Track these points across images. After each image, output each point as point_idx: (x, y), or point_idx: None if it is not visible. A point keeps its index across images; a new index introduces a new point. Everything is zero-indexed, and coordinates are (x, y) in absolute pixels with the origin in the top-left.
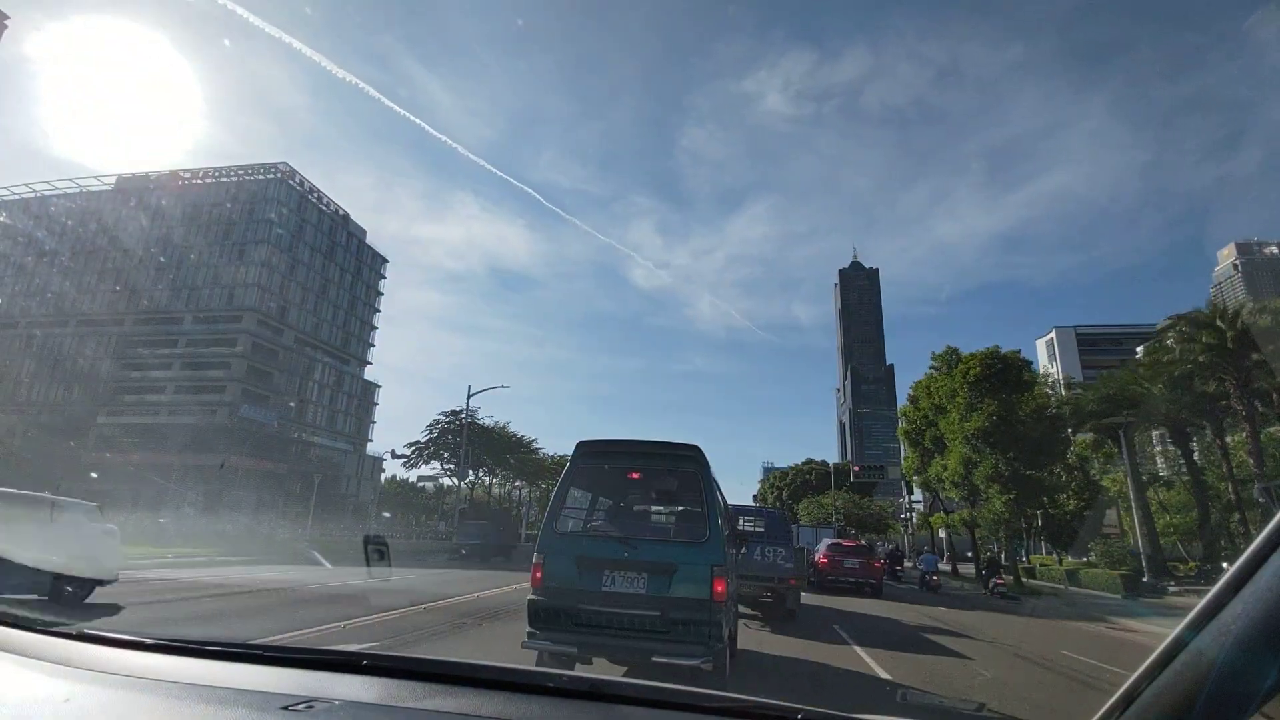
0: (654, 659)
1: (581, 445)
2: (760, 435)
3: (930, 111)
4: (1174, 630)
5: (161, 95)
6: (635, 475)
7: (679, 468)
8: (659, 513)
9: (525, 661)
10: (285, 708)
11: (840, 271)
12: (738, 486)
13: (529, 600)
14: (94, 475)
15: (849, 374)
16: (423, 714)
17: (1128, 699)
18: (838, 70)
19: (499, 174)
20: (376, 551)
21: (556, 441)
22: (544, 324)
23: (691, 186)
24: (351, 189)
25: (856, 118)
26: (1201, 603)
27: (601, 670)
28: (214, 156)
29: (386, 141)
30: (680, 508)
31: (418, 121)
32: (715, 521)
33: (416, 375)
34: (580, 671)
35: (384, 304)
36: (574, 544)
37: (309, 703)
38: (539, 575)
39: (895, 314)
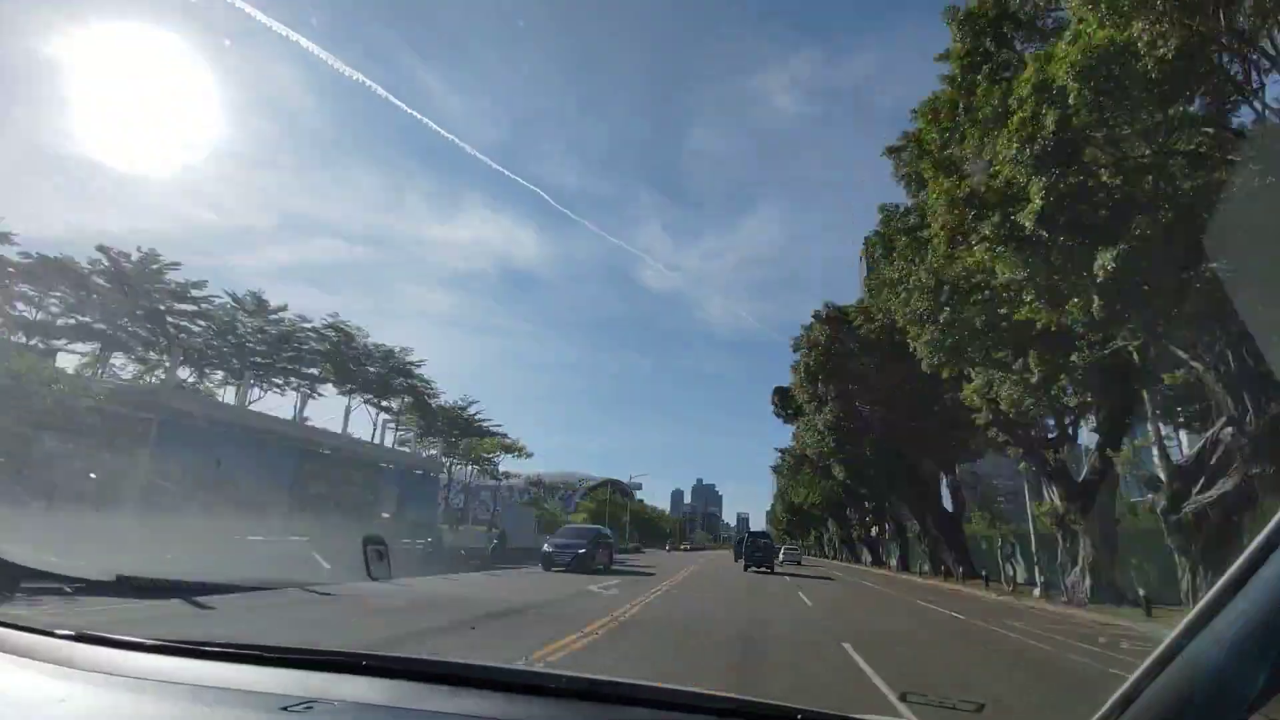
0: None
1: None
2: (775, 435)
3: None
4: (1173, 632)
5: (170, 96)
6: None
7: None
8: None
9: None
10: (285, 708)
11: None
12: (750, 483)
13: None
14: None
15: None
16: (423, 714)
17: (1126, 700)
18: (847, 67)
19: (507, 173)
20: None
21: (567, 439)
22: (556, 325)
23: (701, 187)
24: (361, 186)
25: (867, 114)
26: (1200, 604)
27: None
28: (224, 158)
29: (395, 142)
30: None
31: (425, 120)
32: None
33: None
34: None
35: (394, 303)
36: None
37: (309, 704)
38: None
39: None
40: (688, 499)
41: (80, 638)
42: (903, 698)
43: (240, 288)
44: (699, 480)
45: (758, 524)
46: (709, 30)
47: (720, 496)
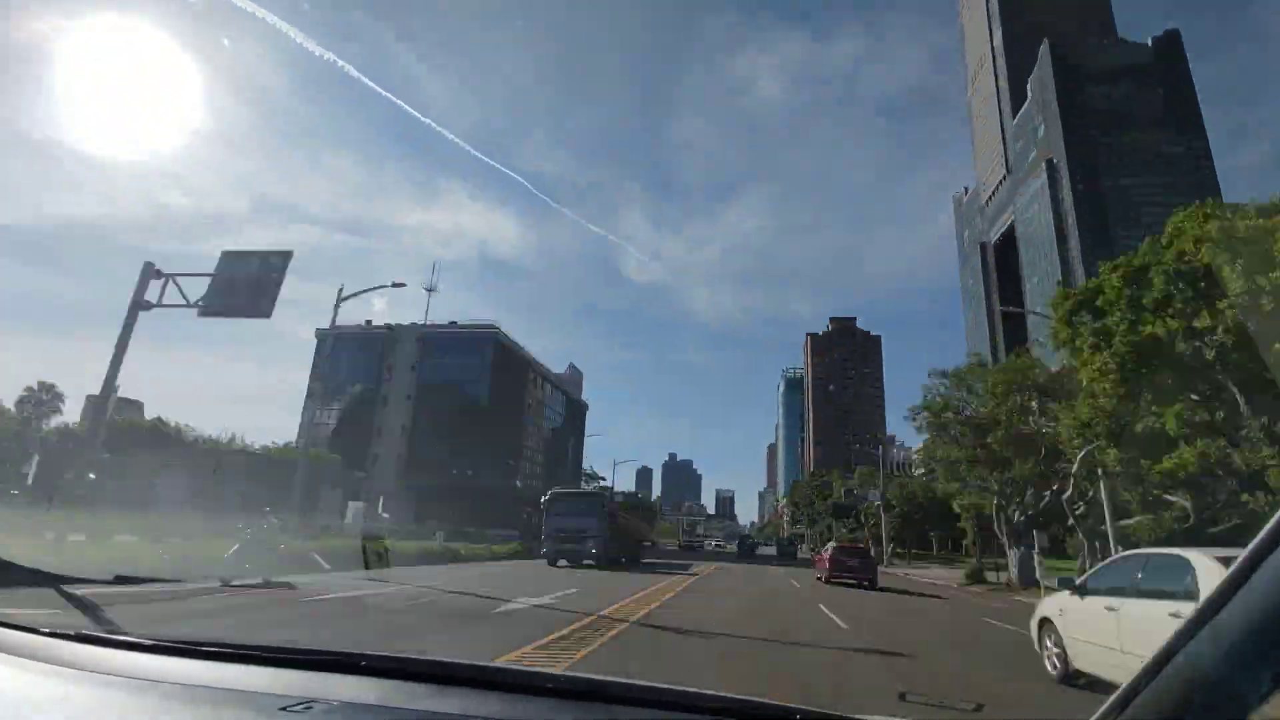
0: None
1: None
2: (761, 428)
3: (929, 96)
4: (1173, 631)
5: (140, 78)
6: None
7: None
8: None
9: None
10: (284, 708)
11: None
12: (736, 467)
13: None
14: None
15: (1036, 64)
16: (421, 714)
17: (1126, 699)
18: (833, 52)
19: (485, 160)
20: None
21: None
22: (538, 316)
23: (685, 176)
24: (335, 170)
25: (854, 102)
26: (1199, 603)
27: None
28: (195, 140)
29: (371, 126)
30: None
31: (402, 104)
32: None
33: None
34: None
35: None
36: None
37: (307, 704)
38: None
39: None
40: (657, 481)
41: (79, 638)
42: (901, 697)
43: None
44: (671, 455)
45: (743, 506)
46: (693, 13)
47: (699, 476)
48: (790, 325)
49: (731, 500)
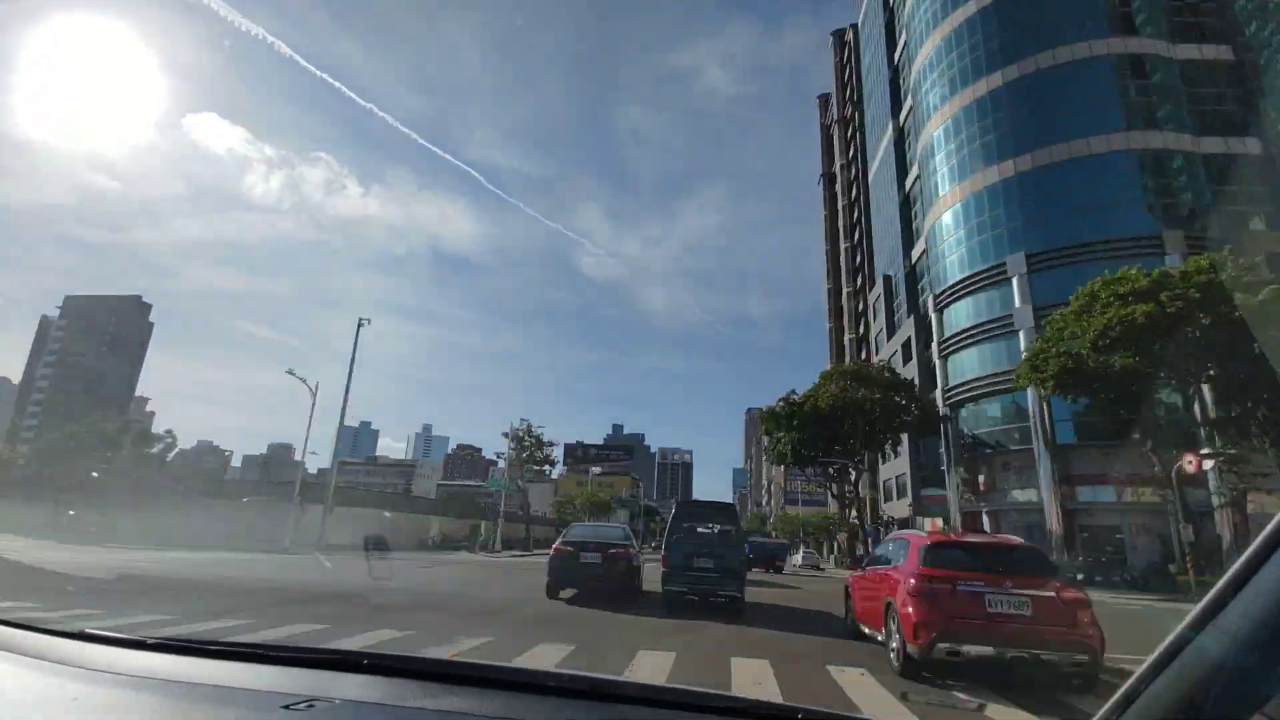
0: (719, 593)
1: (681, 504)
2: (724, 430)
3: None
4: (1175, 630)
5: (61, 52)
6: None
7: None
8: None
9: None
10: (286, 707)
11: None
12: (709, 479)
13: (663, 572)
14: None
15: None
16: (424, 713)
17: (1128, 699)
18: (781, 43)
19: (433, 149)
20: None
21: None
22: (494, 312)
23: (639, 171)
24: (276, 156)
25: (804, 95)
26: (1202, 602)
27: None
28: (124, 119)
29: (311, 109)
30: (726, 529)
31: (341, 87)
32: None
33: (364, 362)
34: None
35: (323, 285)
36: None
37: (310, 702)
38: (666, 559)
39: None
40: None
41: (84, 636)
42: (903, 697)
43: (146, 266)
44: (616, 428)
45: (711, 478)
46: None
47: (650, 452)
48: (749, 326)
49: (687, 468)
